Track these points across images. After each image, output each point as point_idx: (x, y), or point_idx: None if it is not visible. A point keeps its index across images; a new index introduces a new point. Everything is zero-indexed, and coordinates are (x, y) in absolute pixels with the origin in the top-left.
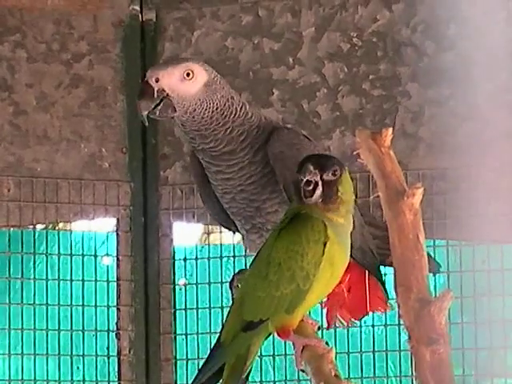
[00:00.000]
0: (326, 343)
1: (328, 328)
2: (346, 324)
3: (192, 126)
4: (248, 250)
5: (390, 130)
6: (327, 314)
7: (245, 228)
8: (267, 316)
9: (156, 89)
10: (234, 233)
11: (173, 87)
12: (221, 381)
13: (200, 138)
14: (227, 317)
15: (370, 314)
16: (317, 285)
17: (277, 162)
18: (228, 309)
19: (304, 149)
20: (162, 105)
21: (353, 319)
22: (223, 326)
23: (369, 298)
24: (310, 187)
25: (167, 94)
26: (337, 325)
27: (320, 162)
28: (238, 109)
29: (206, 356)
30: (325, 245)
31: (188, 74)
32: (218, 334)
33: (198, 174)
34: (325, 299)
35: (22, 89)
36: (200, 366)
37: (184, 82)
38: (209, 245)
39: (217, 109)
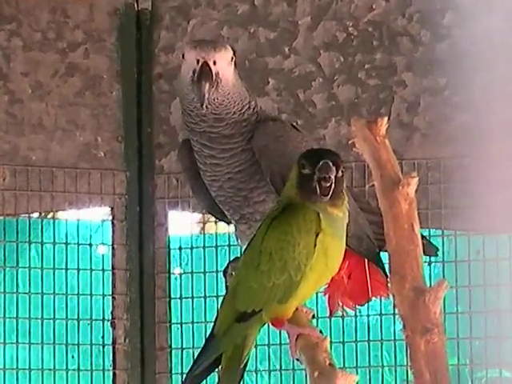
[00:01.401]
0: (320, 332)
1: (330, 315)
2: (348, 310)
3: (215, 110)
4: (239, 241)
5: (386, 119)
6: (329, 302)
7: (234, 218)
8: (260, 307)
9: (214, 71)
10: (228, 224)
11: (224, 70)
12: (218, 370)
13: (215, 120)
14: (221, 307)
15: (373, 299)
16: (311, 275)
17: (262, 156)
18: (222, 298)
19: (290, 141)
20: (214, 87)
21: (355, 305)
22: (217, 316)
23: (370, 284)
24: (328, 184)
25: (219, 77)
26: (339, 311)
27: (333, 159)
28: (248, 94)
29: (201, 346)
30: (317, 235)
31: (232, 59)
32: (212, 325)
33: (187, 166)
34: (325, 287)
35: (17, 77)
36: (195, 356)
37: (230, 66)
38: (204, 234)
39: (240, 94)
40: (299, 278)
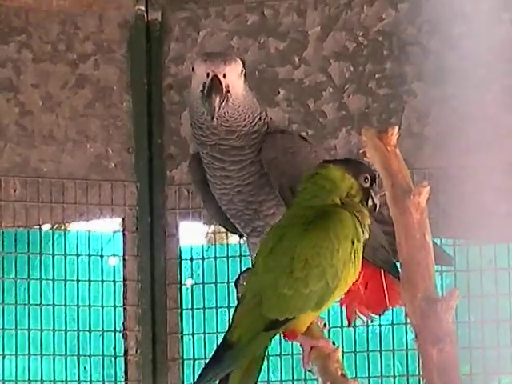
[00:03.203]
0: (333, 343)
1: (349, 325)
2: (366, 320)
3: (225, 122)
4: (251, 253)
5: (396, 128)
6: (347, 311)
7: (245, 232)
8: (294, 314)
9: (224, 84)
10: (240, 237)
11: (234, 84)
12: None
13: (226, 133)
14: (235, 317)
15: (390, 308)
16: (343, 283)
17: (271, 169)
18: (236, 307)
19: (299, 152)
20: (225, 101)
21: (373, 315)
22: (232, 326)
23: (387, 293)
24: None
25: (229, 90)
26: (357, 321)
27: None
28: (258, 106)
29: (213, 357)
30: (353, 242)
31: (241, 71)
32: (224, 335)
33: (198, 179)
34: (342, 297)
35: (27, 89)
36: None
37: (240, 79)
38: (215, 245)
39: (250, 106)
40: (335, 285)
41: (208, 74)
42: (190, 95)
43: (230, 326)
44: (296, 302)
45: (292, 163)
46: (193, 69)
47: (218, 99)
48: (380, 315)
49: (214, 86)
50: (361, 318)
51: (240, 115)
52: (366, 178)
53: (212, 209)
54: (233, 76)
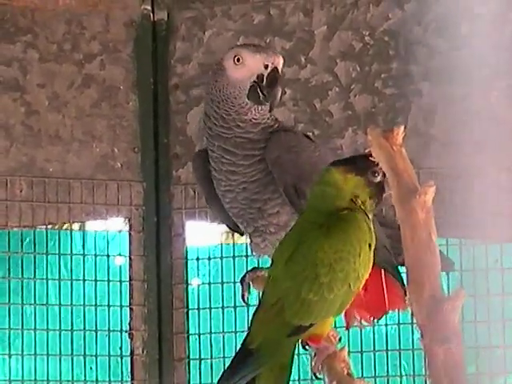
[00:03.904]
0: (340, 339)
1: (347, 328)
2: (365, 323)
3: (255, 115)
4: (254, 253)
5: (402, 127)
6: (345, 315)
7: (248, 231)
8: (318, 319)
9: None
10: (241, 235)
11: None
12: None
13: (252, 126)
14: (254, 324)
15: (390, 312)
16: (359, 286)
17: (275, 167)
18: (254, 313)
19: (303, 151)
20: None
21: (372, 318)
22: (251, 332)
23: (387, 297)
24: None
25: None
26: (356, 325)
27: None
28: None
29: (232, 364)
30: (370, 246)
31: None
32: (242, 343)
33: (202, 177)
34: None
35: (33, 89)
36: (225, 374)
37: None
38: (222, 244)
39: None
40: (356, 288)
41: (267, 66)
42: (220, 86)
43: (248, 334)
44: (321, 308)
45: (296, 162)
46: (238, 59)
47: (280, 90)
48: (379, 319)
49: (278, 77)
50: (360, 322)
51: (266, 108)
52: (375, 172)
53: (215, 207)
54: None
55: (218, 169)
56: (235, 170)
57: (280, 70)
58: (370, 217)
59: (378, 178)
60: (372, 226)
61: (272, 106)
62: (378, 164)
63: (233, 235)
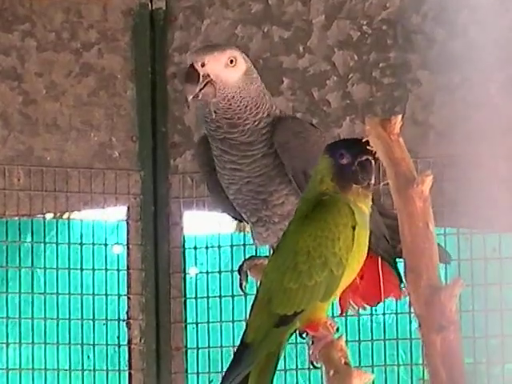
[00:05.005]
0: (337, 329)
1: (341, 314)
2: (358, 310)
3: (225, 114)
4: (256, 241)
5: (399, 117)
6: (340, 301)
7: (251, 221)
8: (302, 307)
9: (201, 73)
10: (241, 222)
11: (217, 73)
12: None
13: (228, 126)
14: (250, 317)
15: (385, 300)
16: (349, 269)
17: (284, 152)
18: (250, 308)
19: (310, 136)
20: (205, 89)
21: (367, 306)
22: (247, 326)
23: (383, 285)
24: (371, 166)
25: (211, 79)
26: (350, 311)
27: (366, 144)
28: (267, 100)
29: (233, 359)
30: (353, 228)
31: (231, 61)
32: (242, 336)
33: (205, 163)
34: None
35: (31, 78)
36: (227, 369)
37: (227, 69)
38: (219, 233)
39: (252, 98)
40: (341, 273)
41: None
42: None
43: (245, 328)
44: (302, 296)
45: (304, 147)
46: None
47: (188, 87)
48: (373, 306)
49: (187, 74)
50: (354, 308)
51: (238, 106)
52: (341, 154)
53: (216, 193)
54: (215, 65)
55: (221, 166)
56: (238, 167)
57: (197, 67)
58: (368, 202)
59: (344, 161)
60: (358, 209)
61: (185, 102)
62: (366, 148)
63: (231, 222)
